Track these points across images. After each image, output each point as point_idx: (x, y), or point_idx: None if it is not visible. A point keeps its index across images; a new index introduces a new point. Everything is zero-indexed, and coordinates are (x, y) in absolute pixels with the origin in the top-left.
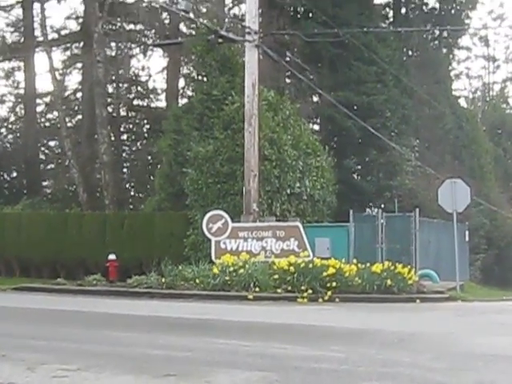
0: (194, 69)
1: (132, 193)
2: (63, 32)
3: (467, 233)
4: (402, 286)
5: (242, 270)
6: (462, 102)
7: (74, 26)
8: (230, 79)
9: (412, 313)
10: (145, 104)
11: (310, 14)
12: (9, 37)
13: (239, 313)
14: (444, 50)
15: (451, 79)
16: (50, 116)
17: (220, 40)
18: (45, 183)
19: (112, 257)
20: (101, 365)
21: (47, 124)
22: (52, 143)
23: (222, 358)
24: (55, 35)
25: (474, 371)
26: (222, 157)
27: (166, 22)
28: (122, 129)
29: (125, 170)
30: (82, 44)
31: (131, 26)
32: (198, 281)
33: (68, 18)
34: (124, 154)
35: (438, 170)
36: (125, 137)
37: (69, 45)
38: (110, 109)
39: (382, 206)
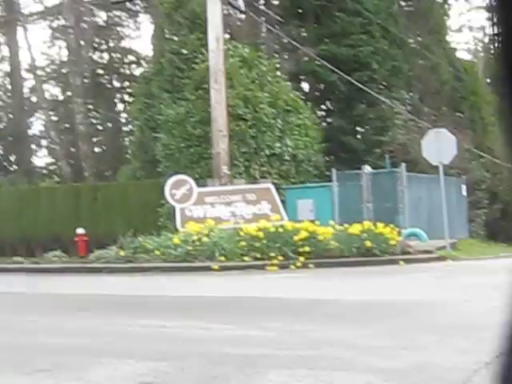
0: (162, 28)
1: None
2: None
3: (464, 187)
4: (384, 248)
5: (205, 239)
6: (465, 55)
7: None
8: (201, 36)
9: (387, 276)
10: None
11: None
12: None
13: (189, 286)
14: (439, 0)
15: (447, 30)
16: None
17: None
18: (32, 159)
19: (80, 231)
20: None
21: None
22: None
23: (125, 344)
24: (39, 7)
25: (421, 350)
26: (194, 119)
27: None
28: (115, 100)
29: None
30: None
31: None
32: (158, 252)
33: None
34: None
35: (434, 123)
36: (121, 107)
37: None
38: (103, 79)
39: (373, 163)
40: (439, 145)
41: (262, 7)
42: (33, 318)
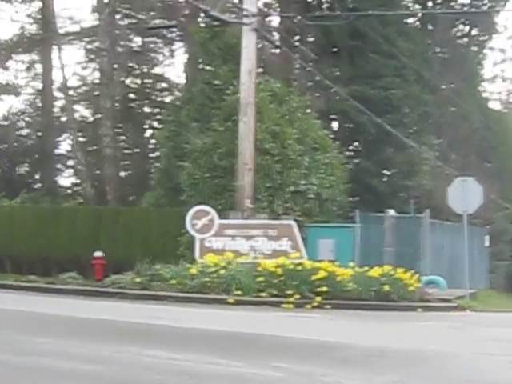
0: (195, 57)
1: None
2: (83, 24)
3: (487, 237)
4: (403, 293)
5: (223, 271)
6: (497, 105)
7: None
8: (233, 68)
9: (403, 323)
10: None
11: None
12: (29, 29)
13: (202, 318)
14: (474, 49)
15: (480, 79)
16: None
17: (216, 23)
18: (57, 178)
19: (98, 254)
20: None
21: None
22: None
23: (131, 374)
24: (75, 28)
25: None
26: (221, 150)
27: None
28: (144, 125)
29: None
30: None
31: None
32: (174, 281)
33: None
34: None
35: (461, 170)
36: (149, 133)
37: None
38: (134, 104)
39: (398, 207)
40: (465, 193)
41: (297, 43)
42: (44, 339)
